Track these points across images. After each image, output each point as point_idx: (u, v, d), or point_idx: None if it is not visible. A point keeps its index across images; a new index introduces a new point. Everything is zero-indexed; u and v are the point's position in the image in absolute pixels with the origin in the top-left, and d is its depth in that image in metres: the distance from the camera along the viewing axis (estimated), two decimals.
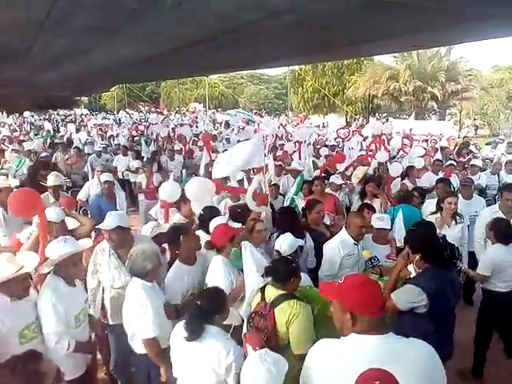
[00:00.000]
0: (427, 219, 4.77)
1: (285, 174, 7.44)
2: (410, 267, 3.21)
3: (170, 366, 2.72)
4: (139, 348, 3.11)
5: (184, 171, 9.37)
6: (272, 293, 2.81)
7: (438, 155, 9.64)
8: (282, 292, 2.78)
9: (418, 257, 3.03)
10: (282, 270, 2.84)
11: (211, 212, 4.26)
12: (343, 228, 4.06)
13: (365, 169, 7.01)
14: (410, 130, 13.73)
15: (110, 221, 3.63)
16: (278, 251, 3.49)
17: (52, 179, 5.71)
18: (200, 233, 4.02)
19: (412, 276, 3.14)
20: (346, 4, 3.73)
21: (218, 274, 3.32)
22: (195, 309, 2.57)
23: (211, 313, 2.56)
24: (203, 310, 2.55)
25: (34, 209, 3.44)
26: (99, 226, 3.72)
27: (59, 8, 4.77)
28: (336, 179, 6.34)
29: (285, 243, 3.44)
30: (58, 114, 29.82)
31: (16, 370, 1.85)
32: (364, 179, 6.41)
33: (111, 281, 3.59)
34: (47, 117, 25.61)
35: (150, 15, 4.92)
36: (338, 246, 3.90)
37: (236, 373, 2.38)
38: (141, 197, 7.66)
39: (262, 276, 2.98)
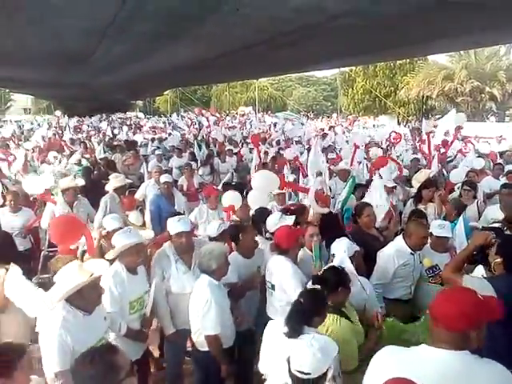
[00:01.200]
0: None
1: (334, 177, 7.33)
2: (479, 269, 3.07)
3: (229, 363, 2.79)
4: (201, 345, 3.20)
5: (236, 174, 9.48)
6: None
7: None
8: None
9: (498, 260, 2.86)
10: (331, 279, 2.85)
11: (262, 214, 4.41)
12: (400, 236, 3.95)
13: (427, 172, 6.74)
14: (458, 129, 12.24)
15: (180, 225, 3.54)
16: (334, 255, 3.45)
17: (117, 180, 6.01)
18: None
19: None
20: (408, 5, 3.65)
21: (287, 275, 3.37)
22: (297, 306, 2.58)
23: (311, 313, 2.55)
24: (304, 308, 2.55)
25: (78, 234, 3.69)
26: (172, 231, 3.53)
27: (122, 17, 5.03)
28: (388, 182, 6.17)
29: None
30: (113, 117, 31.07)
31: (93, 361, 1.93)
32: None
33: (181, 287, 3.47)
34: (104, 118, 26.72)
35: (208, 20, 5.06)
36: (393, 256, 3.78)
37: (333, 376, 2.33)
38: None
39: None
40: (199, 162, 10.05)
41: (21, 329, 3.76)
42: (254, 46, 6.19)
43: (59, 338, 2.45)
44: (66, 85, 14.97)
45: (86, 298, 2.60)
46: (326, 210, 4.41)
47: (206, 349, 3.15)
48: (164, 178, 6.44)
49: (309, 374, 2.04)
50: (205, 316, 3.08)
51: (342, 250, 3.32)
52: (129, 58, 8.22)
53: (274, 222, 3.98)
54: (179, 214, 4.47)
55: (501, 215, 4.89)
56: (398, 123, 30.60)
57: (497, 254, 2.88)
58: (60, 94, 23.28)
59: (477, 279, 2.79)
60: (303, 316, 2.51)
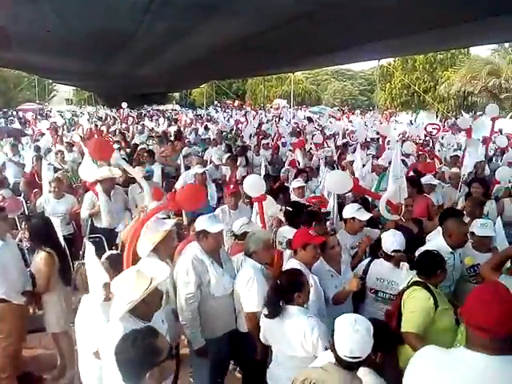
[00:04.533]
0: None
1: (372, 171, 7.38)
2: None
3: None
4: (242, 326, 3.35)
5: (270, 167, 9.48)
6: None
7: None
8: (418, 279, 3.04)
9: None
10: (428, 263, 3.07)
11: (299, 207, 4.45)
12: (437, 234, 3.86)
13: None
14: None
15: (214, 224, 3.31)
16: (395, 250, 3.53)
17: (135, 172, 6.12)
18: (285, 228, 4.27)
19: None
20: None
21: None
22: (274, 287, 2.79)
23: (289, 290, 2.72)
24: (281, 288, 2.74)
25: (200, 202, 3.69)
26: (208, 229, 3.26)
27: None
28: (431, 179, 6.04)
29: (397, 241, 3.53)
30: (151, 109, 31.67)
31: (134, 344, 1.99)
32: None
33: (224, 289, 3.30)
34: (145, 112, 27.26)
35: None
36: None
37: (324, 347, 2.53)
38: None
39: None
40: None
41: (63, 310, 3.98)
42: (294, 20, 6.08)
43: None
44: (107, 72, 15.34)
45: (147, 306, 2.48)
46: (395, 217, 4.33)
47: (246, 330, 3.27)
48: (197, 168, 6.59)
49: (360, 357, 2.13)
50: (247, 294, 3.19)
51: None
52: (170, 36, 8.25)
53: (350, 210, 4.18)
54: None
55: None
56: (437, 119, 29.70)
57: None
58: (101, 85, 23.91)
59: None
60: (282, 294, 2.73)
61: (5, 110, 29.64)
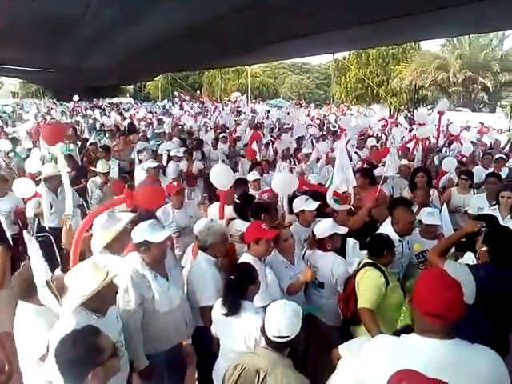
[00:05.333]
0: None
1: (327, 165, 7.48)
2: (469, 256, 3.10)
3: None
4: (199, 321, 3.31)
5: (227, 161, 9.43)
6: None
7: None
8: (368, 260, 3.27)
9: (484, 249, 2.89)
10: (377, 244, 3.32)
11: (248, 199, 4.46)
12: (387, 222, 3.97)
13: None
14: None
15: (158, 232, 3.00)
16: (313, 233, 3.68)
17: (101, 166, 5.96)
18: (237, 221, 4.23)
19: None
20: None
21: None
22: (229, 283, 2.82)
23: (244, 284, 2.78)
24: (236, 282, 2.79)
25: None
26: (148, 240, 2.94)
27: None
28: (382, 171, 6.18)
29: (319, 227, 3.67)
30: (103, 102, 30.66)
31: (75, 343, 1.92)
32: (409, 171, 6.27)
33: (170, 303, 3.07)
34: (93, 104, 26.37)
35: None
36: None
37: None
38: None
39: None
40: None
41: (13, 309, 3.76)
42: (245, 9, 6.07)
43: None
44: (56, 66, 14.66)
45: (102, 300, 2.40)
46: (345, 207, 4.44)
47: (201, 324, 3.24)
48: (149, 163, 6.43)
49: (287, 336, 2.23)
50: (200, 288, 3.17)
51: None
52: (118, 22, 8.00)
53: (298, 204, 4.24)
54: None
55: (486, 204, 4.98)
56: (390, 113, 30.64)
57: (483, 243, 2.92)
58: (50, 77, 22.87)
59: (458, 265, 2.84)
60: (237, 289, 2.77)
61: None
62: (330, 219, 3.80)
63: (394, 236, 3.75)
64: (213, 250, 3.35)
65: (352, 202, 4.49)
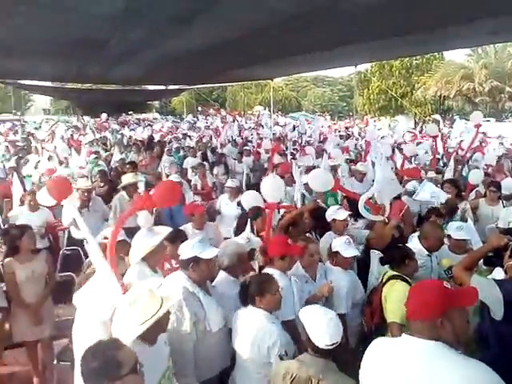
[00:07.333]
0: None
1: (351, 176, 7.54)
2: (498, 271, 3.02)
3: None
4: None
5: (252, 174, 9.48)
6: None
7: None
8: (394, 273, 3.22)
9: (511, 263, 2.80)
10: (395, 255, 3.30)
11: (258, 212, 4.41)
12: (415, 237, 3.91)
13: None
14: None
15: (206, 248, 2.91)
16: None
17: (125, 178, 6.03)
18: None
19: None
20: None
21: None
22: (243, 287, 2.85)
23: (253, 293, 2.76)
24: (248, 289, 2.79)
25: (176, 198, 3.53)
26: (201, 255, 2.85)
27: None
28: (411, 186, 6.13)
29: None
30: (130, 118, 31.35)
31: (96, 355, 1.92)
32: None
33: (220, 321, 2.90)
34: (122, 120, 27.00)
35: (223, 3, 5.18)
36: None
37: (278, 354, 2.58)
38: (197, 198, 7.65)
39: None
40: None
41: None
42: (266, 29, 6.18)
43: None
44: (82, 78, 15.23)
45: (157, 328, 2.32)
46: (378, 218, 4.45)
47: None
48: (173, 177, 6.50)
49: (336, 342, 2.23)
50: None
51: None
52: (144, 44, 8.24)
53: (330, 213, 4.36)
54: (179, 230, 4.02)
55: None
56: (415, 124, 30.25)
57: (510, 257, 2.85)
58: (78, 95, 23.61)
59: (484, 279, 2.78)
60: (247, 295, 2.78)
61: None
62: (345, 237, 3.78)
63: (422, 251, 3.71)
64: (231, 271, 3.29)
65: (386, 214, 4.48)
